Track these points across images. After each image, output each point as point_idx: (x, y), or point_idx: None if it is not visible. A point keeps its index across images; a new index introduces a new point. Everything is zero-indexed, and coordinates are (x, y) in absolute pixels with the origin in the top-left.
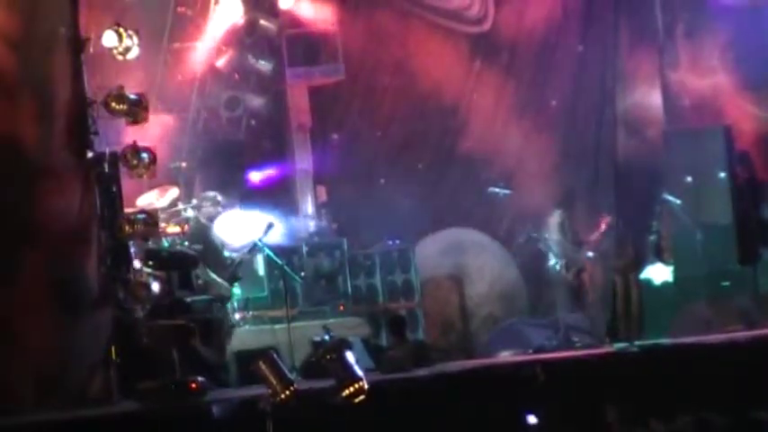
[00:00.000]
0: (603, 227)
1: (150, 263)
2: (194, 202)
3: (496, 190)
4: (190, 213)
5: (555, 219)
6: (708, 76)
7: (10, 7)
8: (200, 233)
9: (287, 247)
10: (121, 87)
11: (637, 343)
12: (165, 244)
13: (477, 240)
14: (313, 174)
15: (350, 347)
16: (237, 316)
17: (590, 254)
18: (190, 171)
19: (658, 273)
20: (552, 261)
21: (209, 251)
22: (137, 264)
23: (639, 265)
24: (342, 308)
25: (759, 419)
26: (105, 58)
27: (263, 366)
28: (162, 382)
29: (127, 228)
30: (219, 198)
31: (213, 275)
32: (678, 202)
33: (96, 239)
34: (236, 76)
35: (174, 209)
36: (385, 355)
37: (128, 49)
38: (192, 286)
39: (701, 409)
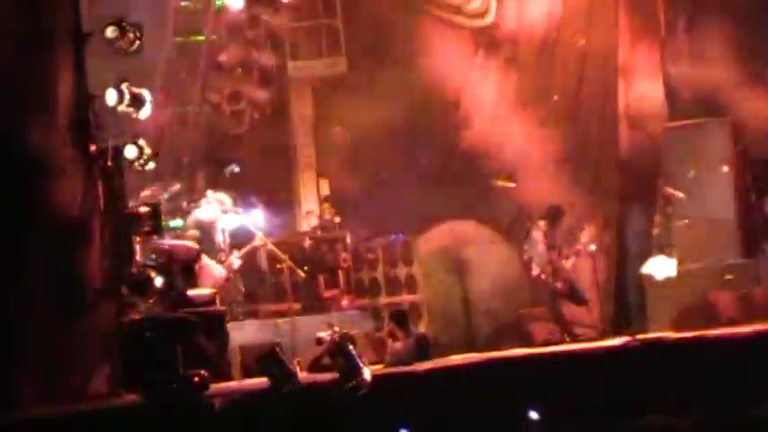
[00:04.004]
0: (584, 239)
1: (153, 257)
2: (202, 201)
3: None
4: (193, 209)
5: (539, 230)
6: (710, 69)
7: (12, 1)
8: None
9: (290, 241)
10: (123, 82)
11: (639, 336)
12: (168, 238)
13: (479, 234)
14: (316, 167)
15: (353, 342)
16: (239, 310)
17: (592, 247)
18: (192, 165)
19: (661, 266)
20: (536, 271)
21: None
22: (139, 258)
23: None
24: (345, 302)
25: (761, 414)
26: (107, 52)
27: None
28: (165, 377)
29: (129, 222)
30: (225, 201)
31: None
32: (681, 195)
33: (99, 234)
34: (239, 69)
35: (177, 203)
36: (388, 349)
37: (130, 43)
38: (194, 280)
39: (703, 402)
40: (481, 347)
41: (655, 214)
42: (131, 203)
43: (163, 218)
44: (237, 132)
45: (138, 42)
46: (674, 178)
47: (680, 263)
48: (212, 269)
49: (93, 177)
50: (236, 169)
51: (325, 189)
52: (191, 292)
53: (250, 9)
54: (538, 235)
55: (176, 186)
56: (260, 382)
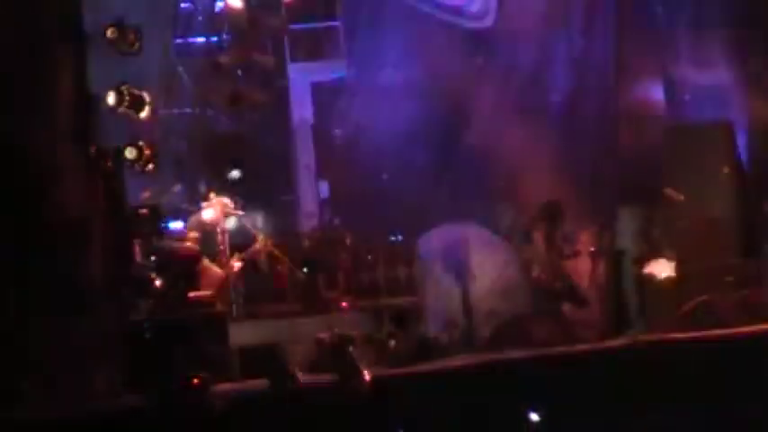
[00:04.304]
0: (584, 240)
1: (153, 258)
2: (204, 202)
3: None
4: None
5: (539, 231)
6: (710, 70)
7: (12, 1)
8: (201, 230)
9: (289, 242)
10: (123, 83)
11: (640, 337)
12: (168, 239)
13: (478, 236)
14: (315, 169)
15: (353, 343)
16: (239, 311)
17: (592, 248)
18: (192, 166)
19: (661, 268)
20: (536, 272)
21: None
22: (139, 259)
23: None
24: (344, 303)
25: (761, 414)
26: (107, 53)
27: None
28: (165, 378)
29: (130, 223)
30: (228, 203)
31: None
32: (681, 197)
33: (99, 235)
34: (239, 71)
35: (177, 205)
36: (387, 349)
37: (130, 44)
38: (195, 281)
39: (703, 403)
40: (481, 348)
41: (655, 215)
42: (132, 205)
43: (163, 219)
44: (238, 134)
45: (137, 44)
46: (674, 179)
47: (680, 264)
48: (212, 271)
49: (94, 178)
50: (237, 175)
51: (325, 190)
52: (191, 294)
53: (250, 10)
54: (538, 236)
55: (177, 188)
56: (260, 383)
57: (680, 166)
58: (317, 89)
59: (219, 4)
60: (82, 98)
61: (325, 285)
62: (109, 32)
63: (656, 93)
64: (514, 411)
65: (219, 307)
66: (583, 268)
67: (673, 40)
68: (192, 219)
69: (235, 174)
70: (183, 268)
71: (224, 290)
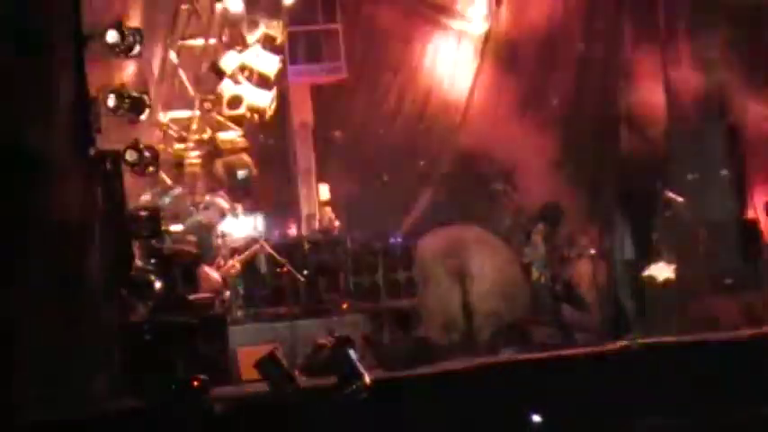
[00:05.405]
0: (584, 242)
1: (153, 260)
2: (201, 204)
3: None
4: (192, 213)
5: (539, 233)
6: (710, 72)
7: (12, 2)
8: (198, 232)
9: (289, 244)
10: (123, 85)
11: (639, 341)
12: (168, 241)
13: (478, 237)
14: (315, 171)
15: (352, 345)
16: (239, 313)
17: (592, 251)
18: (192, 169)
19: (660, 270)
20: (536, 275)
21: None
22: (139, 261)
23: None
24: (344, 305)
25: (762, 416)
26: (107, 56)
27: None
28: (164, 380)
29: (129, 226)
30: (225, 205)
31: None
32: (680, 199)
33: (98, 237)
34: (239, 73)
35: (177, 207)
36: (387, 349)
37: (130, 47)
38: (194, 283)
39: (702, 405)
40: (481, 351)
41: (654, 218)
42: (131, 207)
43: (163, 221)
44: (237, 136)
45: (137, 46)
46: (673, 181)
47: (679, 267)
48: (210, 273)
49: (93, 180)
50: (243, 174)
51: (325, 193)
52: (191, 296)
53: (250, 13)
54: (538, 238)
55: (177, 190)
56: (259, 385)
57: (680, 166)
58: (317, 91)
59: (219, 6)
60: (82, 100)
61: (324, 288)
62: (109, 35)
63: (657, 93)
64: (514, 414)
65: (218, 309)
66: (582, 270)
67: (673, 40)
68: (189, 221)
69: (242, 173)
70: (183, 270)
71: (221, 292)
